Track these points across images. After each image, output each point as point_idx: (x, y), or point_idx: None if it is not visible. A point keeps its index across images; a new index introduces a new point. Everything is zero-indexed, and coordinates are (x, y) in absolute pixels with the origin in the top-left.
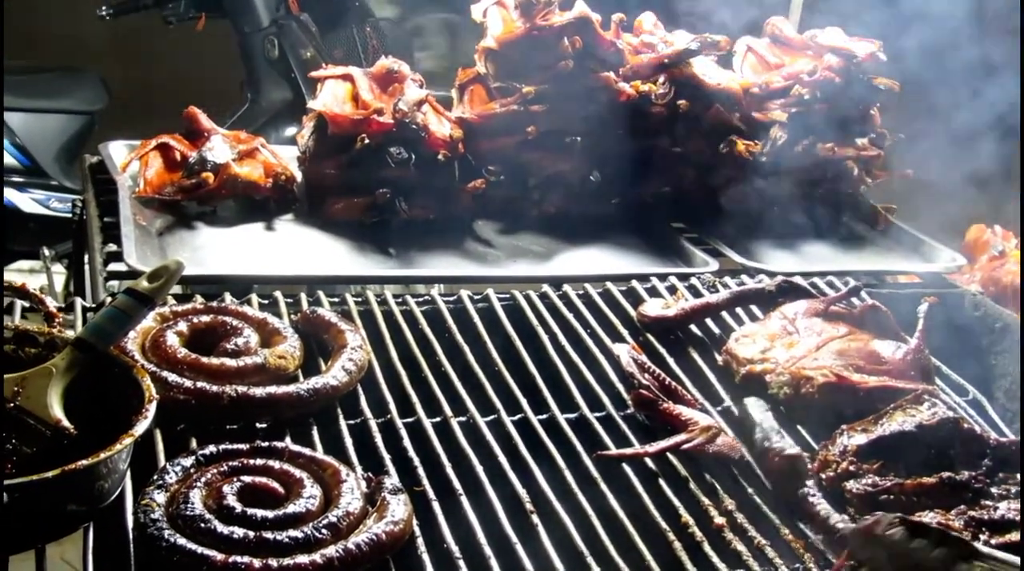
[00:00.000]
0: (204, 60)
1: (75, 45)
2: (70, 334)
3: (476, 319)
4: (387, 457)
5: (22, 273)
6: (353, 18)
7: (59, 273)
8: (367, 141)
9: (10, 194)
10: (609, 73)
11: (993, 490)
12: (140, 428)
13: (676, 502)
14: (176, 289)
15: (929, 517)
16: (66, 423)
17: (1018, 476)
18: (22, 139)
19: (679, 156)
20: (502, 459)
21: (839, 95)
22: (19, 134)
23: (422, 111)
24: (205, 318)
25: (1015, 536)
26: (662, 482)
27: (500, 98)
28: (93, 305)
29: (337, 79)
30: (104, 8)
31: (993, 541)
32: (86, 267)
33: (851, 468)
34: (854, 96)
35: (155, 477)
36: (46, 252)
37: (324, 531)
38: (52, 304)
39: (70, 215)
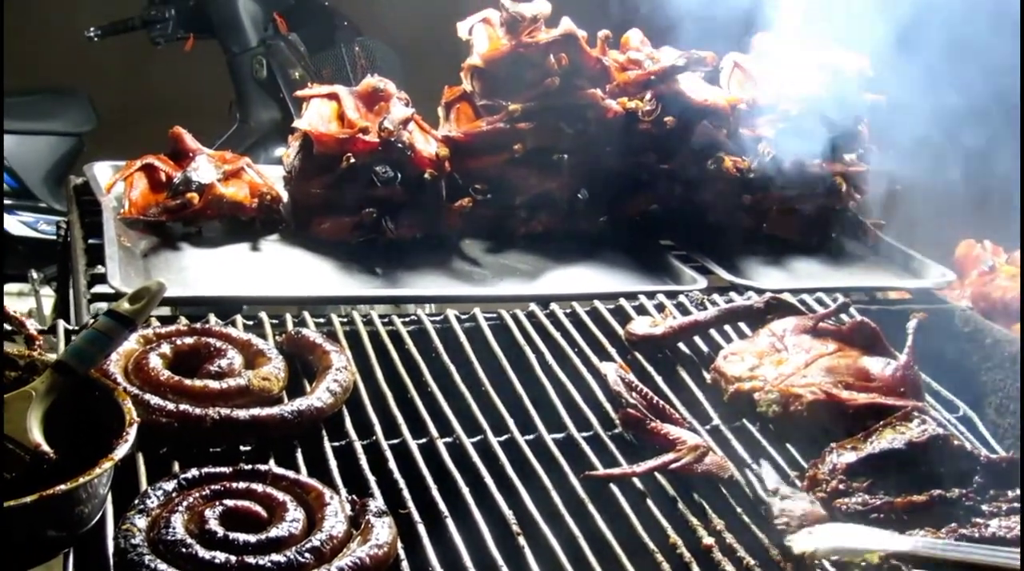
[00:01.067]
0: (193, 81)
1: (63, 66)
2: (51, 357)
3: (463, 338)
4: (372, 479)
5: (11, 296)
6: (342, 37)
7: (48, 296)
8: (353, 160)
9: None
10: (596, 90)
11: (984, 507)
12: (120, 452)
13: (664, 522)
14: (162, 311)
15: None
16: (45, 447)
17: (1009, 493)
18: (10, 161)
19: (666, 173)
20: (488, 480)
21: (827, 110)
22: (7, 156)
23: (408, 130)
24: (188, 340)
25: None
26: (650, 502)
27: (486, 116)
28: (76, 327)
29: (323, 98)
30: (92, 29)
31: None
32: (71, 289)
33: (841, 486)
34: (841, 111)
35: (136, 502)
36: (34, 275)
37: (307, 555)
38: (33, 326)
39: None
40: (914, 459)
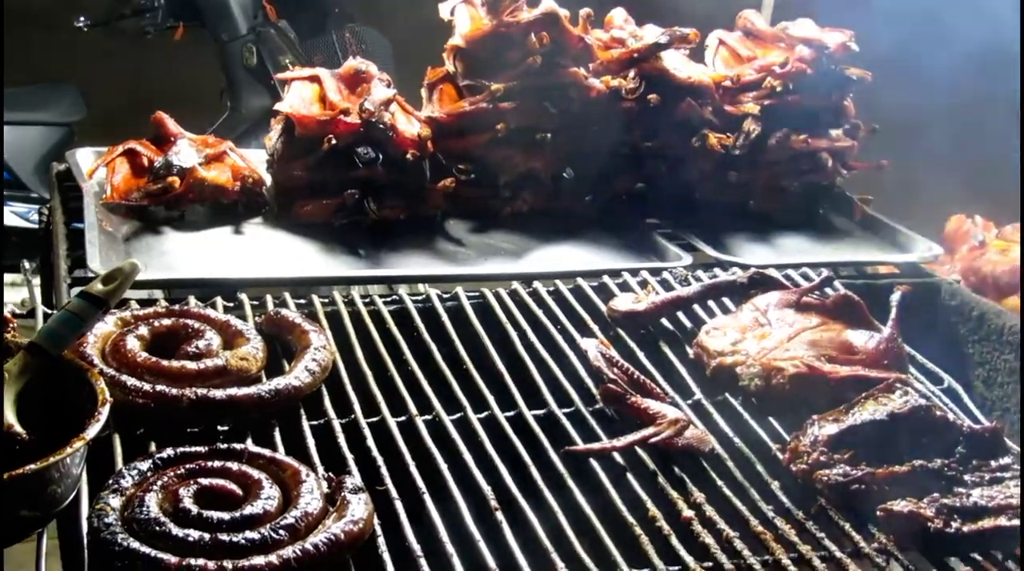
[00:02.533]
0: (183, 70)
1: (53, 57)
2: (24, 339)
3: (444, 317)
4: (350, 457)
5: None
6: (332, 24)
7: (39, 286)
8: (334, 142)
9: None
10: (578, 69)
11: (967, 477)
12: (92, 431)
13: (644, 496)
14: (142, 294)
15: (901, 505)
16: (18, 428)
17: (992, 463)
18: None
19: (651, 151)
20: (467, 457)
21: (812, 86)
22: None
23: (390, 111)
24: (167, 321)
25: (988, 523)
26: (630, 476)
27: (469, 96)
28: (54, 312)
29: (304, 81)
30: (82, 19)
31: (966, 528)
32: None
33: (822, 458)
34: (827, 87)
35: (110, 481)
36: (26, 265)
37: (282, 532)
38: (7, 309)
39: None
40: (896, 430)
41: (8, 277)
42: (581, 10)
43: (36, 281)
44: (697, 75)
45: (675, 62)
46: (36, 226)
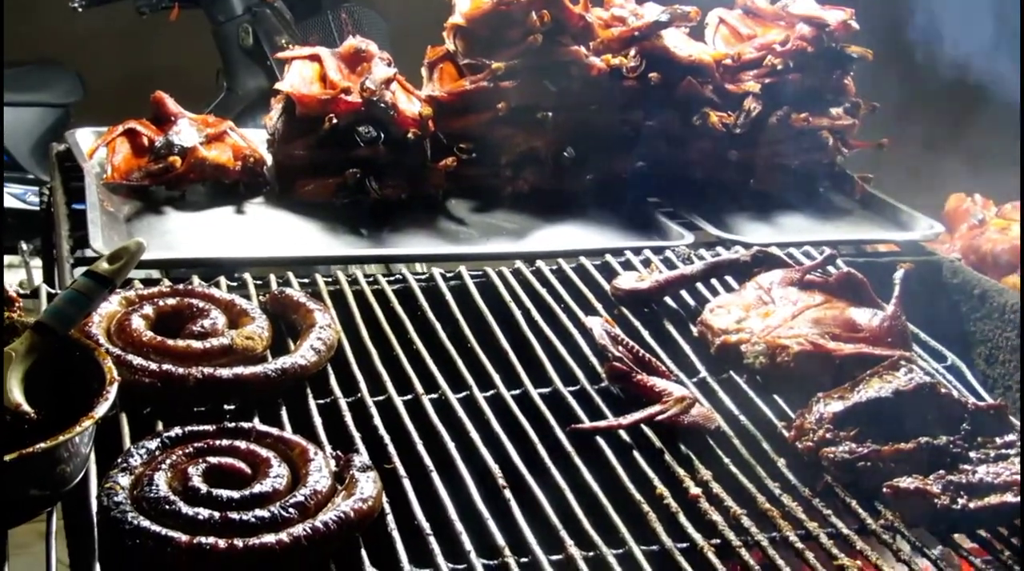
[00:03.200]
0: (179, 50)
1: (50, 38)
2: (31, 319)
3: (448, 297)
4: (357, 436)
5: None
6: (328, 4)
7: (37, 267)
8: (335, 121)
9: None
10: (579, 47)
11: (972, 455)
12: (100, 410)
13: (651, 473)
14: (144, 273)
15: (908, 482)
16: (26, 407)
17: (996, 440)
18: None
19: (652, 130)
20: (474, 435)
21: (812, 65)
22: None
23: (390, 90)
24: (171, 301)
25: (994, 500)
26: (636, 454)
27: (470, 75)
28: (59, 291)
29: (304, 59)
30: (77, 1)
31: (972, 505)
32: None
33: (828, 436)
34: (827, 65)
35: (119, 460)
36: (24, 246)
37: (291, 510)
38: (11, 289)
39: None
40: (901, 407)
41: (6, 258)
42: None
43: (34, 262)
44: (698, 53)
45: (676, 40)
46: (33, 207)
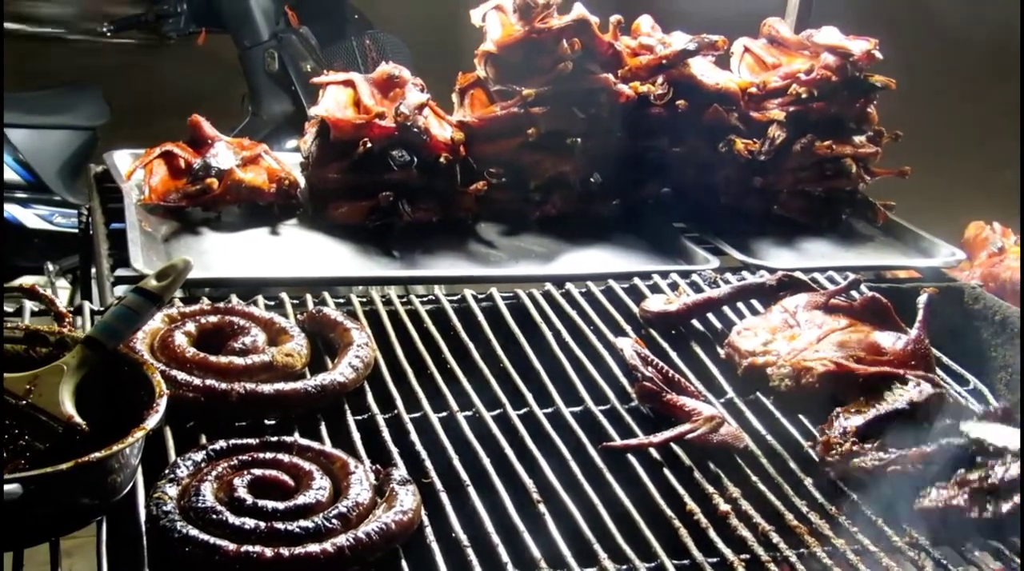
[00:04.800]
0: (205, 75)
1: (77, 61)
2: (81, 334)
3: (480, 317)
4: (395, 451)
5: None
6: (352, 31)
7: (63, 288)
8: (369, 145)
9: (14, 210)
10: (608, 75)
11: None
12: (151, 421)
13: (681, 490)
14: (181, 293)
15: (933, 499)
16: (78, 419)
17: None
18: (25, 155)
19: (678, 156)
20: (508, 452)
21: (836, 93)
22: (22, 150)
23: (423, 115)
24: (212, 318)
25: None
26: (667, 471)
27: (500, 101)
28: (101, 308)
29: (338, 85)
30: (105, 25)
31: (1004, 508)
32: (92, 274)
33: (854, 448)
34: (851, 94)
35: (166, 471)
36: (50, 267)
37: (334, 521)
38: (62, 305)
39: (73, 230)
40: (916, 417)
41: (31, 278)
42: (611, 17)
43: (60, 282)
44: (724, 82)
45: (702, 69)
46: (60, 229)
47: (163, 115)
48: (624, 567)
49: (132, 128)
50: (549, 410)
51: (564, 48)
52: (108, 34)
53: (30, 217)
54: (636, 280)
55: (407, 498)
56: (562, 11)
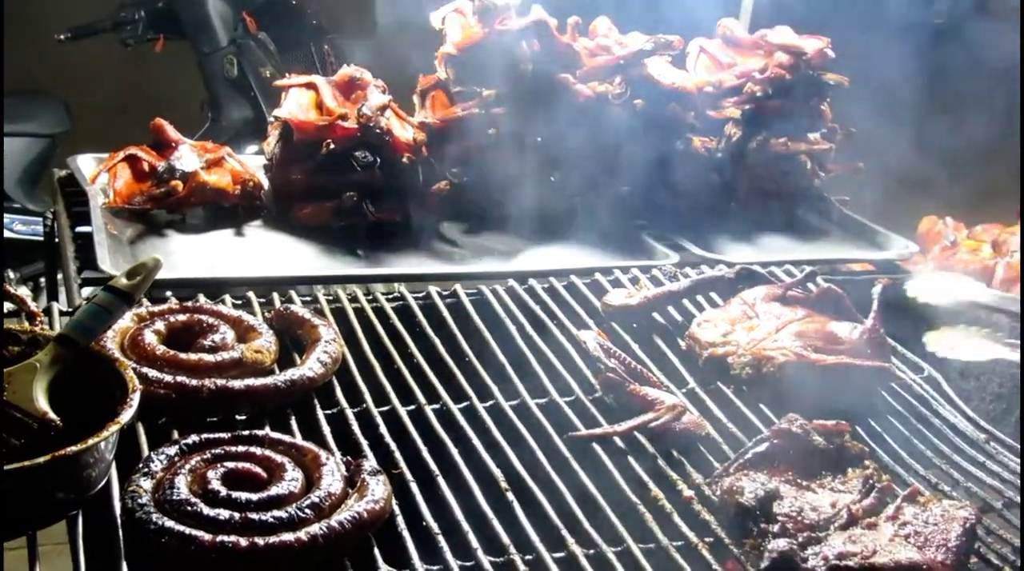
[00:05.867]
0: (164, 81)
1: (35, 68)
2: (53, 332)
3: (445, 313)
4: (364, 443)
5: None
6: (311, 36)
7: (24, 296)
8: (332, 146)
9: None
10: (567, 75)
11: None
12: (125, 416)
13: (645, 477)
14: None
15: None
16: (52, 415)
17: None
18: None
19: (637, 154)
20: (476, 442)
21: (790, 92)
22: None
23: (385, 116)
24: (181, 317)
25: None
26: (631, 459)
27: (461, 102)
28: (69, 309)
29: (301, 87)
30: (63, 32)
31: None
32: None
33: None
34: (805, 92)
35: (140, 465)
36: (11, 274)
37: (307, 511)
38: (33, 304)
39: (34, 238)
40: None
41: None
42: (569, 18)
43: (21, 290)
44: (680, 81)
45: (659, 68)
46: (19, 236)
47: (122, 123)
48: (591, 551)
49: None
50: (515, 402)
51: (523, 49)
52: (65, 41)
53: (2, 219)
54: (598, 275)
55: (378, 488)
56: (521, 13)
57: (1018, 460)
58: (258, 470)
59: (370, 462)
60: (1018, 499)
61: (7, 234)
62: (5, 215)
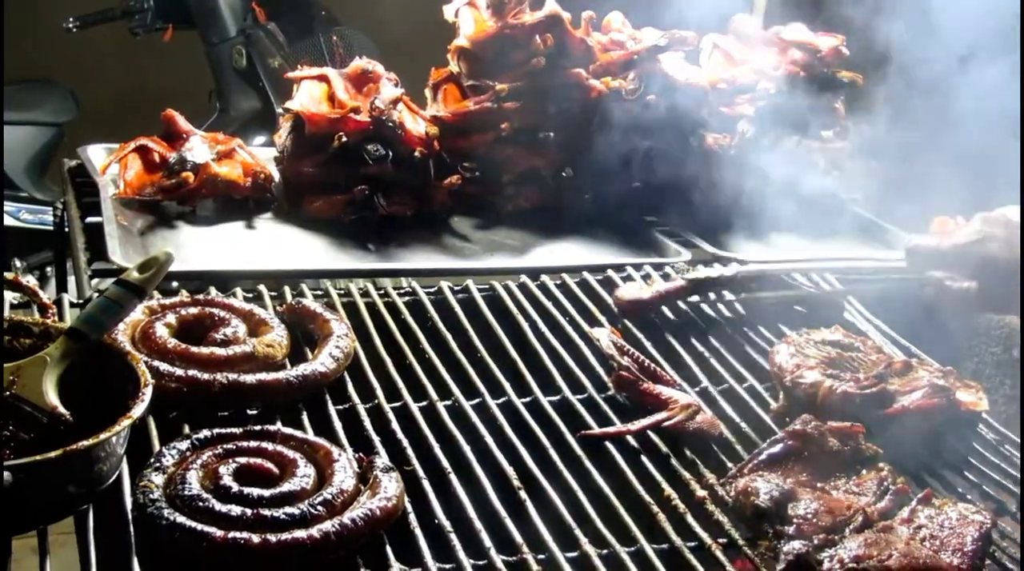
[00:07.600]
0: (172, 71)
1: (44, 56)
2: (64, 325)
3: (457, 308)
4: (376, 439)
5: None
6: (320, 27)
7: (32, 284)
8: (344, 139)
9: None
10: (580, 70)
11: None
12: (137, 411)
13: (659, 477)
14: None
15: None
16: (62, 409)
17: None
18: None
19: (650, 150)
20: (488, 440)
21: (804, 89)
22: None
23: (397, 109)
24: (193, 310)
25: None
26: (644, 459)
27: (473, 96)
28: (80, 301)
29: (313, 80)
30: (71, 20)
31: None
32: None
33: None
34: (818, 90)
35: (152, 460)
36: (18, 264)
37: (319, 507)
38: (45, 296)
39: (40, 227)
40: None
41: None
42: (583, 13)
43: (27, 280)
44: (694, 77)
45: (673, 64)
46: (26, 225)
47: (130, 112)
48: (605, 551)
49: (98, 125)
50: (527, 399)
51: (537, 44)
52: (73, 30)
53: (2, 209)
54: (610, 272)
55: (391, 485)
56: (535, 7)
57: None
58: (270, 466)
59: (382, 459)
60: None
61: (15, 223)
62: (13, 204)
